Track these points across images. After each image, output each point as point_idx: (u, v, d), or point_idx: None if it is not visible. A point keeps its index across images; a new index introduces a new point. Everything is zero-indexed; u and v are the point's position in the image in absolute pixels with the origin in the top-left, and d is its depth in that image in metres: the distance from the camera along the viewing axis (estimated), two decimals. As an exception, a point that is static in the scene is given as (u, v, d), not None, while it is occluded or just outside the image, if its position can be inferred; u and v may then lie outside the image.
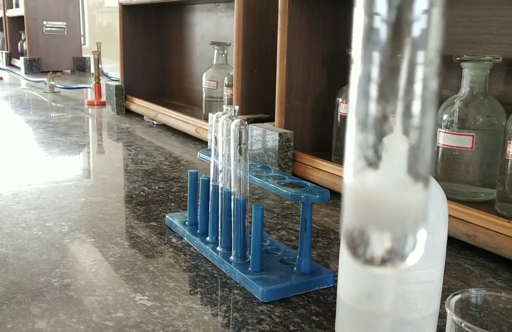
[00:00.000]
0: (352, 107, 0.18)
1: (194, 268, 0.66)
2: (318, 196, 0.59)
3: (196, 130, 1.44)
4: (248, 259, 0.63)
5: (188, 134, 1.50)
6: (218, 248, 0.67)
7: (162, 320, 0.53)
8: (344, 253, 0.47)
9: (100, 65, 2.21)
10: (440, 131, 0.80)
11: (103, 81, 2.21)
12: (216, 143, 0.67)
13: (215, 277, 0.63)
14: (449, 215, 0.46)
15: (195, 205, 0.76)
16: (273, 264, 0.64)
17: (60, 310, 0.54)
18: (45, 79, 2.61)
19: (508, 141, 0.71)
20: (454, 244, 0.73)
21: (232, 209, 0.64)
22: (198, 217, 0.74)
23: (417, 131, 0.18)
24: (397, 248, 0.19)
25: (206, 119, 1.40)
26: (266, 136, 1.06)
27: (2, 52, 4.15)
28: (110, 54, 3.43)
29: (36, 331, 0.50)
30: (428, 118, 0.18)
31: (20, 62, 3.63)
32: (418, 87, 0.17)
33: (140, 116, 1.83)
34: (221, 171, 0.66)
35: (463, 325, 0.34)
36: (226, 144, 0.65)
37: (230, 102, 1.35)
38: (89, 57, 3.62)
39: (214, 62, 1.50)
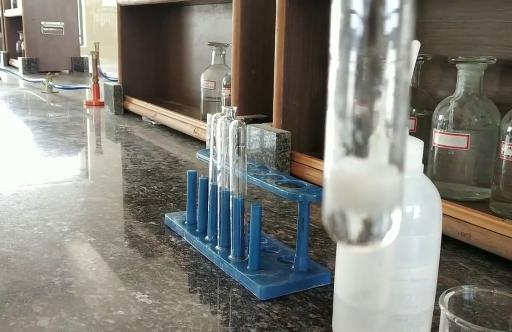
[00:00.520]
0: (331, 98, 0.20)
1: (193, 267, 0.66)
2: (315, 196, 0.60)
3: (194, 130, 1.45)
4: (247, 258, 0.64)
5: (186, 134, 1.51)
6: (217, 247, 0.68)
7: (162, 318, 0.54)
8: (340, 251, 0.48)
9: (98, 66, 2.21)
10: (435, 131, 0.81)
11: (101, 81, 2.21)
12: (214, 144, 0.68)
13: (214, 275, 0.64)
14: (444, 214, 0.47)
15: (194, 204, 0.76)
16: (271, 262, 0.65)
17: (61, 308, 0.55)
18: (43, 79, 2.61)
19: (502, 141, 0.72)
20: (450, 243, 0.74)
21: (230, 208, 0.65)
22: (197, 216, 0.75)
23: (392, 119, 0.19)
24: (374, 228, 0.20)
25: (204, 119, 1.41)
26: (264, 136, 1.07)
27: (0, 53, 4.15)
28: (108, 54, 3.43)
29: (38, 329, 0.51)
30: (401, 107, 0.19)
31: (18, 62, 3.63)
32: (392, 78, 0.19)
33: (138, 116, 1.84)
34: (219, 170, 0.67)
35: (456, 321, 0.35)
36: (225, 145, 0.65)
37: (228, 103, 1.35)
38: (87, 58, 3.62)
39: (212, 63, 1.50)
